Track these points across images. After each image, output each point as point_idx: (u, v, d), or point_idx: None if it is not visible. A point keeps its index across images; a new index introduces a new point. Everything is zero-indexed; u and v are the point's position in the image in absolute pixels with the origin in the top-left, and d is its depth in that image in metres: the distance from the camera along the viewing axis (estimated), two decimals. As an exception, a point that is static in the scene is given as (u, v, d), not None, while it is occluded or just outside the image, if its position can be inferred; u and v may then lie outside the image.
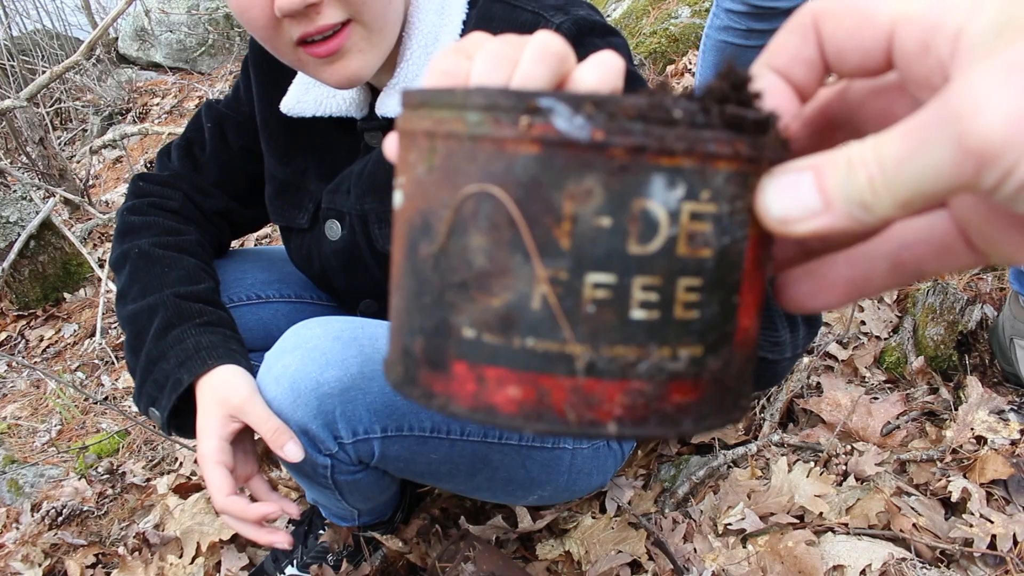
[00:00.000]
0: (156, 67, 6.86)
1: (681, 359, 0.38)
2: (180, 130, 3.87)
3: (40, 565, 1.98)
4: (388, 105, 1.16)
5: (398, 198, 0.42)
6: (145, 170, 4.61)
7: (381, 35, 1.06)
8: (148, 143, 5.14)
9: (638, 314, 0.36)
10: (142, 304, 1.26)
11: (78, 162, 5.06)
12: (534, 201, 0.36)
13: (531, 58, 0.45)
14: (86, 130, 5.99)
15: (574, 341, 0.37)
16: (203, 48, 6.71)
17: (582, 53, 1.03)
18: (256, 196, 1.45)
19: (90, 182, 4.42)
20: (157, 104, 6.07)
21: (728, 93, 0.38)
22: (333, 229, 1.32)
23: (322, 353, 1.13)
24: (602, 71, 0.46)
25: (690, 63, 3.48)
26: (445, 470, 1.31)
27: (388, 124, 1.19)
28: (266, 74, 1.33)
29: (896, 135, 0.32)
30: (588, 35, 1.07)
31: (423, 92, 0.39)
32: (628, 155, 0.35)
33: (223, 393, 1.14)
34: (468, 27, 1.13)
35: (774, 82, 0.42)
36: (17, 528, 2.16)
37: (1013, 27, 0.30)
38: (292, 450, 1.11)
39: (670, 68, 3.53)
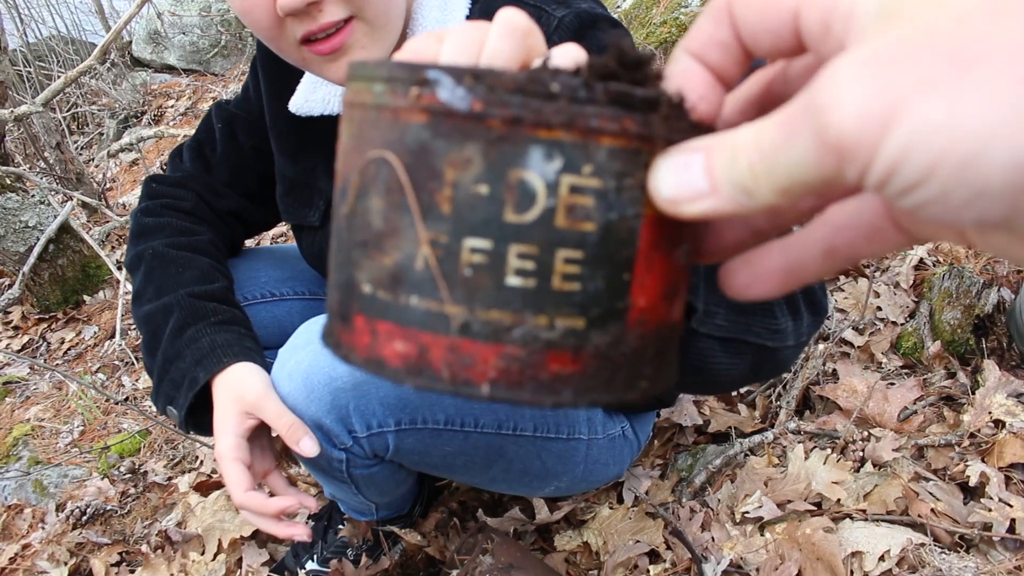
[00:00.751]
0: (170, 69, 6.91)
1: (558, 329, 0.39)
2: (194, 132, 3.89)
3: (66, 564, 2.00)
4: None
5: (339, 147, 0.43)
6: (160, 172, 4.64)
7: (384, 31, 1.06)
8: (164, 145, 5.17)
9: (514, 280, 0.38)
10: (157, 304, 1.28)
11: (95, 166, 5.10)
12: (421, 167, 0.38)
13: (496, 36, 0.47)
14: (102, 134, 6.03)
15: (451, 302, 0.38)
16: (216, 49, 6.75)
17: (586, 47, 1.02)
18: (268, 195, 1.46)
19: (107, 185, 4.45)
20: (172, 106, 6.10)
21: (615, 70, 0.39)
22: None
23: None
24: (564, 58, 0.46)
25: (701, 52, 3.46)
26: (460, 462, 1.31)
27: None
28: (274, 74, 1.33)
29: (772, 123, 0.32)
30: (591, 28, 1.07)
31: (351, 65, 0.42)
32: (505, 126, 0.36)
33: (238, 390, 1.15)
34: (474, 13, 1.13)
35: (688, 64, 0.42)
36: (43, 528, 2.18)
37: (892, 12, 0.30)
38: (307, 445, 1.12)
39: (681, 57, 3.52)
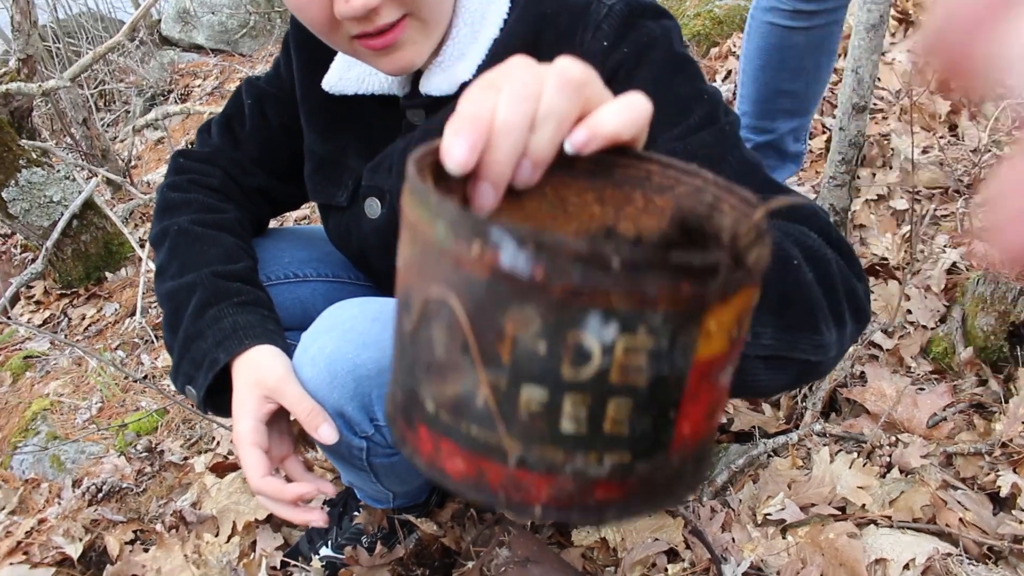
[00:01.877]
0: (198, 49, 6.91)
1: (606, 465, 0.42)
2: (221, 109, 3.89)
3: (81, 540, 2.00)
4: (432, 83, 1.14)
5: (401, 247, 0.46)
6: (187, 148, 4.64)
7: (435, 26, 1.06)
8: (189, 124, 5.18)
9: (568, 426, 0.41)
10: (180, 282, 1.26)
11: (121, 142, 5.11)
12: (482, 316, 0.40)
13: (553, 89, 0.49)
14: (129, 112, 6.05)
15: (508, 438, 0.42)
16: (244, 30, 6.75)
17: (633, 36, 1.00)
18: (295, 174, 1.45)
19: (132, 163, 4.46)
20: (199, 86, 6.11)
21: (676, 237, 0.42)
22: (373, 207, 1.31)
23: (359, 334, 1.12)
24: (626, 116, 0.50)
25: (734, 46, 3.42)
26: None
27: (431, 102, 1.17)
28: (307, 51, 1.31)
29: None
30: (640, 16, 1.05)
31: (412, 181, 0.44)
32: (565, 294, 0.38)
33: (259, 374, 1.13)
34: (516, 7, 1.11)
35: None
36: (59, 503, 2.18)
37: None
38: (327, 432, 1.10)
39: (714, 51, 3.48)
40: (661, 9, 1.08)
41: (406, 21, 1.02)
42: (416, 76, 1.21)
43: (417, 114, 1.22)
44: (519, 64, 0.52)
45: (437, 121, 1.19)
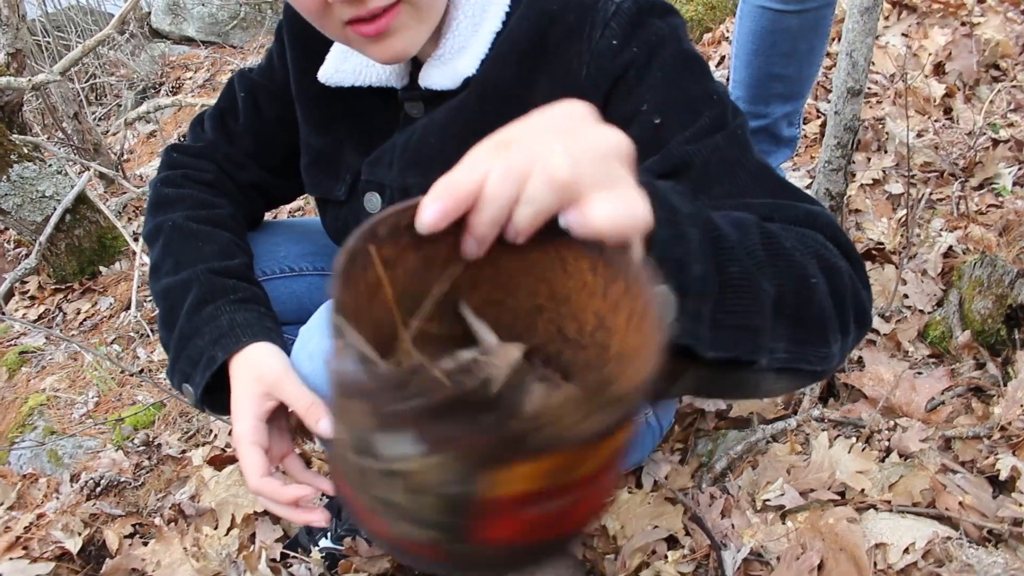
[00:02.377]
0: (189, 41, 6.88)
1: (425, 536, 0.53)
2: (214, 102, 3.87)
3: (80, 534, 2.00)
4: (432, 77, 1.13)
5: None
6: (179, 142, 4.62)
7: (430, 12, 1.04)
8: (181, 117, 5.16)
9: (399, 500, 0.51)
10: (176, 279, 1.25)
11: (113, 135, 5.09)
12: (339, 396, 0.55)
13: (538, 182, 0.55)
14: (120, 105, 6.02)
15: (369, 498, 0.55)
16: (235, 21, 6.71)
17: (642, 34, 1.00)
18: (290, 167, 1.43)
19: (124, 156, 4.44)
20: (190, 78, 6.08)
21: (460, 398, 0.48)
22: (372, 202, 1.30)
23: None
24: (618, 222, 0.56)
25: (727, 31, 3.41)
26: None
27: (430, 95, 1.16)
28: (302, 41, 1.30)
29: None
30: (649, 14, 1.04)
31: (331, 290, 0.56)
32: (380, 409, 0.49)
33: (257, 371, 1.12)
34: (518, 2, 1.10)
35: None
36: (57, 498, 2.18)
37: None
38: (327, 426, 1.09)
39: (707, 36, 3.47)
40: (668, 6, 1.08)
41: (399, 7, 1.00)
42: (415, 68, 1.20)
43: (416, 107, 1.21)
44: (522, 136, 0.59)
45: (438, 116, 1.17)
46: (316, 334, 1.13)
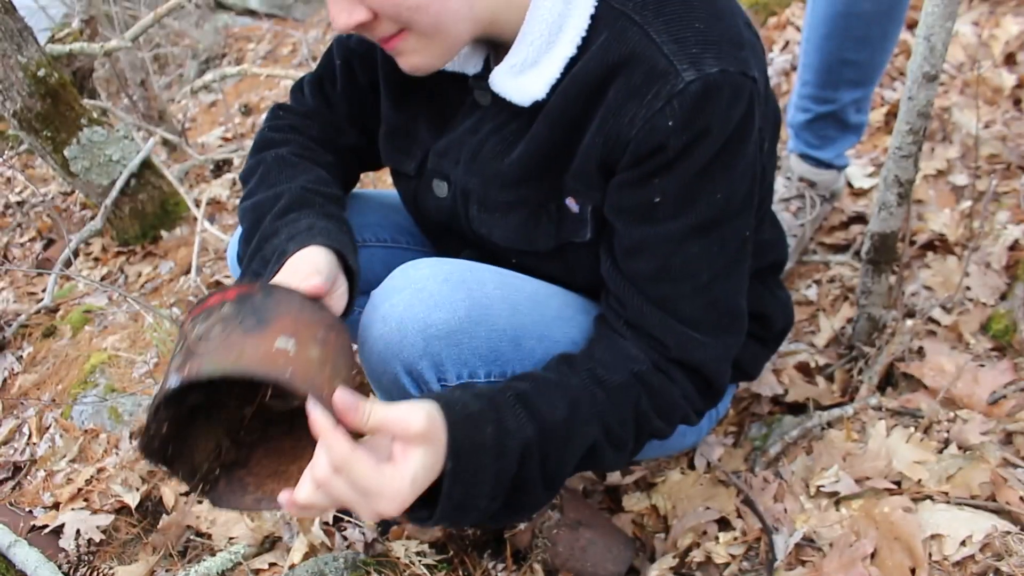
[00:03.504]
0: (251, 13, 6.95)
1: None
2: (278, 73, 3.92)
3: (138, 489, 2.05)
4: (503, 84, 1.15)
5: None
6: (240, 113, 4.69)
7: (438, 37, 1.07)
8: (243, 88, 5.22)
9: None
10: (266, 194, 1.29)
11: (177, 103, 5.17)
12: None
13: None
14: (183, 75, 6.11)
15: None
16: (297, -6, 6.76)
17: (697, 121, 1.05)
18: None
19: (187, 125, 4.51)
20: (252, 50, 6.15)
21: None
22: (441, 189, 1.34)
23: (430, 295, 1.13)
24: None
25: (792, 15, 3.36)
26: None
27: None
28: None
29: None
30: (713, 100, 1.03)
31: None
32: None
33: (313, 264, 1.12)
34: (598, 32, 1.08)
35: None
36: (117, 454, 2.24)
37: None
38: (316, 282, 1.06)
39: (772, 20, 3.42)
40: (736, 90, 1.05)
41: (404, 34, 1.06)
42: (491, 56, 1.21)
43: (485, 96, 1.22)
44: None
45: (506, 129, 1.21)
46: (389, 297, 1.15)
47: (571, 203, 1.20)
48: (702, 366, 1.20)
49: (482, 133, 1.24)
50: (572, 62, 1.09)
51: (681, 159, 1.06)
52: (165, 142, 3.87)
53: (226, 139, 4.29)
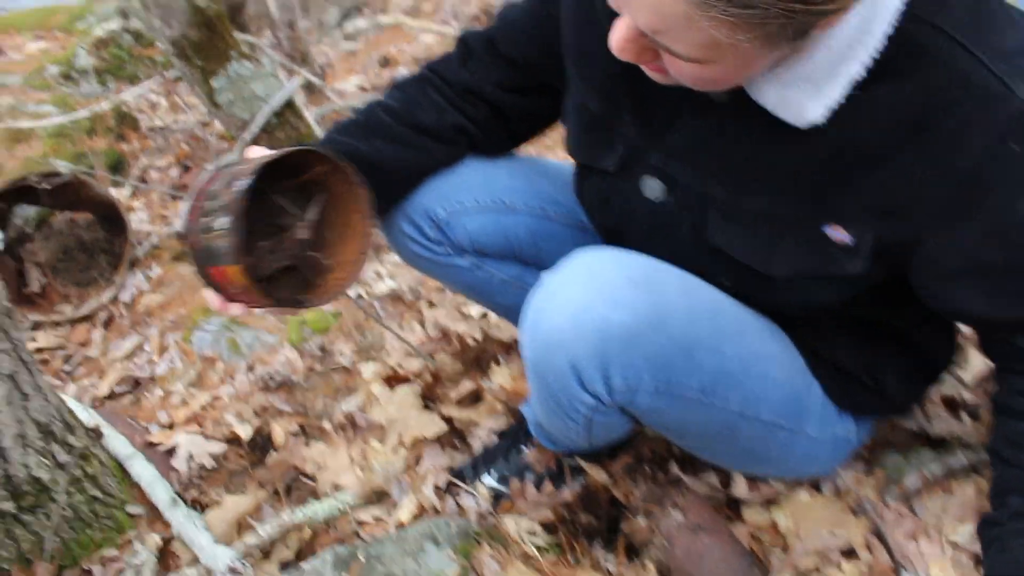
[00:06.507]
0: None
1: None
2: (427, 26, 3.91)
3: (250, 423, 2.08)
4: (768, 96, 0.99)
5: None
6: (378, 64, 4.71)
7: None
8: (383, 39, 5.23)
9: None
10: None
11: (318, 45, 5.23)
12: None
13: None
14: (322, 22, 6.18)
15: None
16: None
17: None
18: (539, 106, 1.45)
19: (326, 70, 4.56)
20: (395, 3, 6.17)
21: None
22: (653, 188, 1.21)
23: (612, 292, 1.08)
24: None
25: None
26: (694, 430, 1.27)
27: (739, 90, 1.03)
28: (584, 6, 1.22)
29: None
30: None
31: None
32: None
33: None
34: (895, 56, 0.94)
35: None
36: (232, 385, 2.27)
37: None
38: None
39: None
40: None
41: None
42: None
43: (721, 93, 1.06)
44: None
45: (771, 142, 1.05)
46: (568, 287, 1.12)
47: (833, 231, 1.07)
48: None
49: (729, 136, 1.10)
50: (860, 86, 0.96)
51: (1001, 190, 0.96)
52: (305, 84, 3.91)
53: (363, 89, 4.31)
